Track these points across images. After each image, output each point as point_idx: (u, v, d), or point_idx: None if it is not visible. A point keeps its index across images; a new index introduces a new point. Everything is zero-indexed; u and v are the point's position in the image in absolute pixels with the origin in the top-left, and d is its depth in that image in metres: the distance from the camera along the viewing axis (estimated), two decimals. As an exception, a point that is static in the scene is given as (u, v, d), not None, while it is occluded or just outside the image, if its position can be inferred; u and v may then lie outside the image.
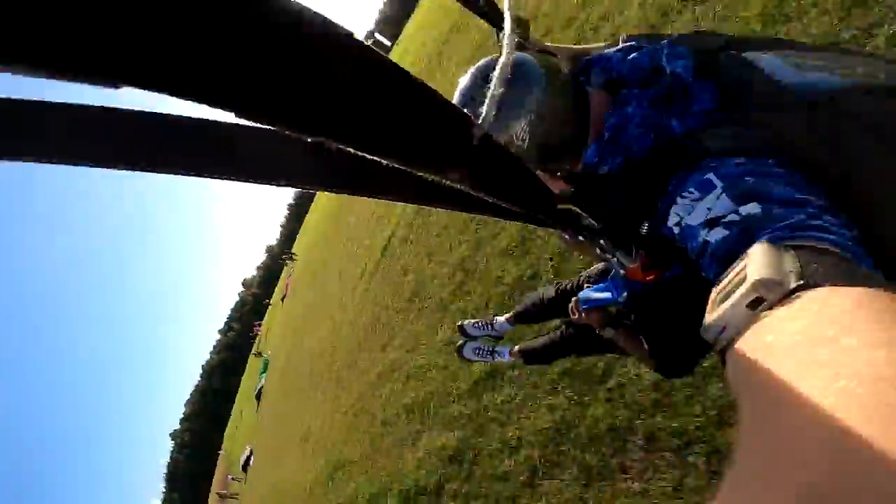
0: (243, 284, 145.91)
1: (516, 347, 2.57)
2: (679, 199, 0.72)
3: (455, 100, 0.88)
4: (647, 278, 0.89)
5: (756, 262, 0.44)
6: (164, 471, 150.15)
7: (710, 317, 0.45)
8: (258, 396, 34.50)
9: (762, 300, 0.40)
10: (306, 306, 19.06)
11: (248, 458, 28.35)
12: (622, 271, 0.95)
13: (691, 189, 0.70)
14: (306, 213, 53.48)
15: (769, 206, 0.57)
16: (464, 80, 0.92)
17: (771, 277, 0.41)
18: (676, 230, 0.72)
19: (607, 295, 1.56)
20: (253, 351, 40.42)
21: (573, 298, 1.68)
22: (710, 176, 0.68)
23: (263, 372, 36.01)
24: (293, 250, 45.03)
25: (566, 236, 1.21)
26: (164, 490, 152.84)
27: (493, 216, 0.58)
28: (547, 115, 0.86)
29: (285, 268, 47.76)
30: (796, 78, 0.76)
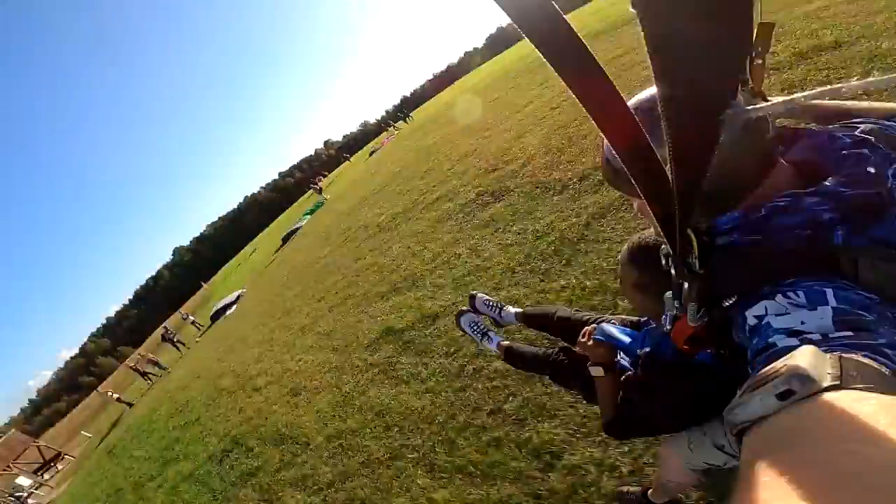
0: (324, 143, 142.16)
1: (505, 343, 2.60)
2: (779, 297, 0.65)
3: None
4: (685, 348, 0.88)
5: (800, 358, 0.44)
6: (141, 283, 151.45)
7: (739, 399, 0.45)
8: (287, 237, 26.82)
9: (792, 392, 0.41)
10: (392, 175, 14.66)
11: (227, 307, 19.98)
12: (669, 326, 0.92)
13: (799, 293, 0.64)
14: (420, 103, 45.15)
15: (862, 336, 0.54)
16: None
17: (807, 374, 0.41)
18: (752, 322, 0.66)
19: (626, 339, 1.53)
20: (319, 183, 32.63)
21: (592, 325, 1.64)
22: (829, 291, 0.62)
23: (309, 213, 28.28)
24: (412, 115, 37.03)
25: (636, 274, 1.27)
26: (127, 301, 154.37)
27: (642, 187, 0.62)
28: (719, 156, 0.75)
29: (387, 131, 42.23)
30: None
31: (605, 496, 2.25)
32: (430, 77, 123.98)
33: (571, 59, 0.50)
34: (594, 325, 1.62)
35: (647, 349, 1.41)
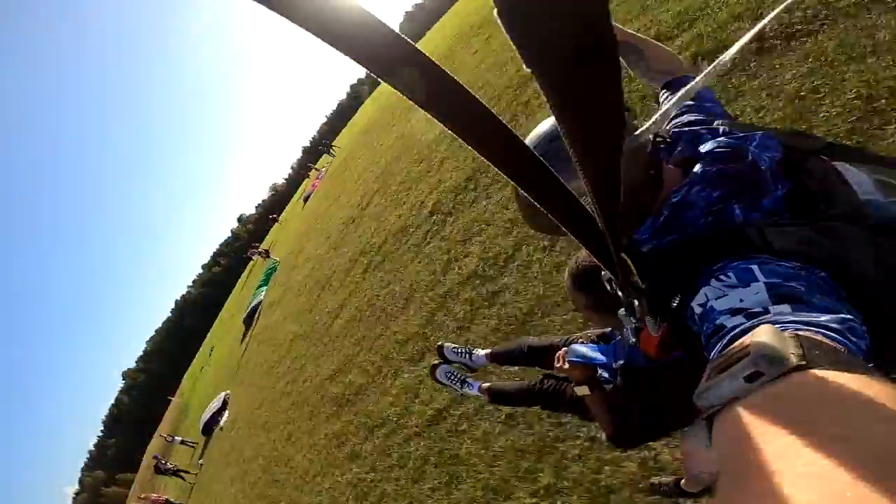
0: (239, 220, 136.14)
1: (486, 385, 2.56)
2: (713, 282, 0.70)
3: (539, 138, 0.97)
4: (659, 355, 0.90)
5: (760, 339, 0.44)
6: (105, 413, 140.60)
7: (707, 383, 0.45)
8: (249, 319, 22.46)
9: (760, 374, 0.40)
10: (374, 182, 11.61)
11: (218, 414, 15.81)
12: (633, 339, 0.97)
13: (730, 274, 0.69)
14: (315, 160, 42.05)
15: (800, 308, 0.57)
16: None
17: (773, 354, 0.41)
18: (698, 310, 0.70)
19: (600, 357, 1.58)
20: (258, 249, 28.39)
21: (563, 348, 1.64)
22: (755, 268, 0.67)
23: (264, 283, 23.97)
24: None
25: (585, 298, 1.43)
26: (100, 433, 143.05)
27: (567, 226, 0.59)
28: None
29: (308, 176, 39.82)
30: (877, 197, 0.78)
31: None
32: (325, 120, 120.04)
33: (454, 106, 0.45)
34: (565, 348, 1.62)
35: (622, 361, 1.50)
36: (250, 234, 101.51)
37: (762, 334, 0.45)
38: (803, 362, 0.39)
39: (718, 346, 0.57)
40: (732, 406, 0.40)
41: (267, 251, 27.41)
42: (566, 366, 1.55)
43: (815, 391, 0.36)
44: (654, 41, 1.26)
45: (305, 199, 31.16)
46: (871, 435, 0.28)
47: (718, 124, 0.97)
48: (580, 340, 1.77)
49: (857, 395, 0.33)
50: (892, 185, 0.80)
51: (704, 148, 0.91)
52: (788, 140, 0.89)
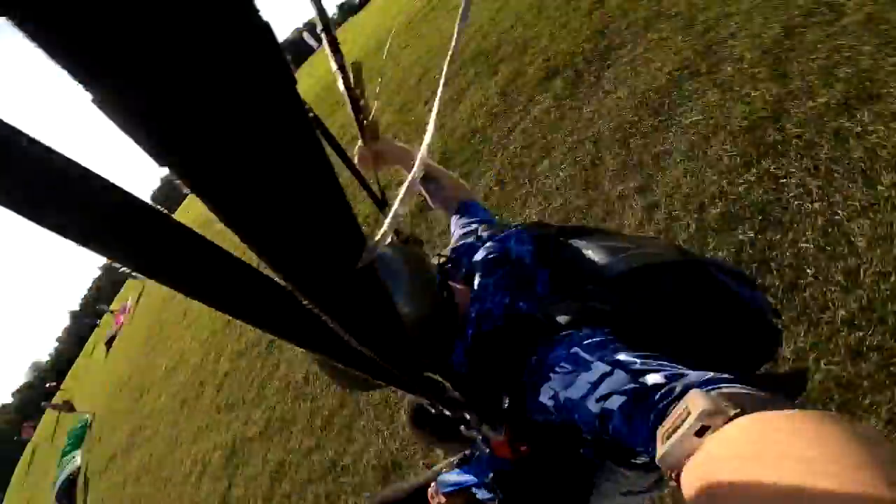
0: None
1: None
2: (553, 375, 0.73)
3: None
4: (521, 449, 0.92)
5: (697, 400, 0.49)
6: None
7: (663, 448, 0.50)
8: (64, 498, 15.89)
9: (707, 428, 0.46)
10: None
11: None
12: (487, 449, 0.99)
13: (563, 364, 0.72)
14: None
15: (663, 369, 0.62)
16: None
17: (714, 408, 0.47)
18: (551, 403, 0.73)
19: (469, 477, 1.48)
20: (50, 404, 22.22)
21: (432, 484, 1.55)
22: (577, 350, 0.72)
23: (73, 448, 18.24)
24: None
25: (424, 435, 1.49)
26: None
27: (352, 366, 0.52)
28: (407, 317, 0.86)
29: (104, 318, 35.31)
30: (608, 260, 0.92)
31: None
32: (98, 273, 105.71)
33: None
34: (434, 484, 1.53)
35: (491, 473, 1.40)
36: (10, 424, 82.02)
37: (695, 396, 0.50)
38: (738, 410, 0.45)
39: (650, 422, 0.58)
40: (694, 457, 0.45)
41: (69, 403, 21.16)
42: (442, 500, 1.49)
43: (759, 428, 0.41)
44: (449, 172, 1.42)
45: (109, 343, 26.00)
46: (821, 456, 0.33)
47: (482, 231, 1.10)
48: (444, 470, 1.72)
49: (790, 426, 0.39)
50: (613, 247, 0.95)
51: (477, 258, 1.01)
52: (536, 230, 1.03)
